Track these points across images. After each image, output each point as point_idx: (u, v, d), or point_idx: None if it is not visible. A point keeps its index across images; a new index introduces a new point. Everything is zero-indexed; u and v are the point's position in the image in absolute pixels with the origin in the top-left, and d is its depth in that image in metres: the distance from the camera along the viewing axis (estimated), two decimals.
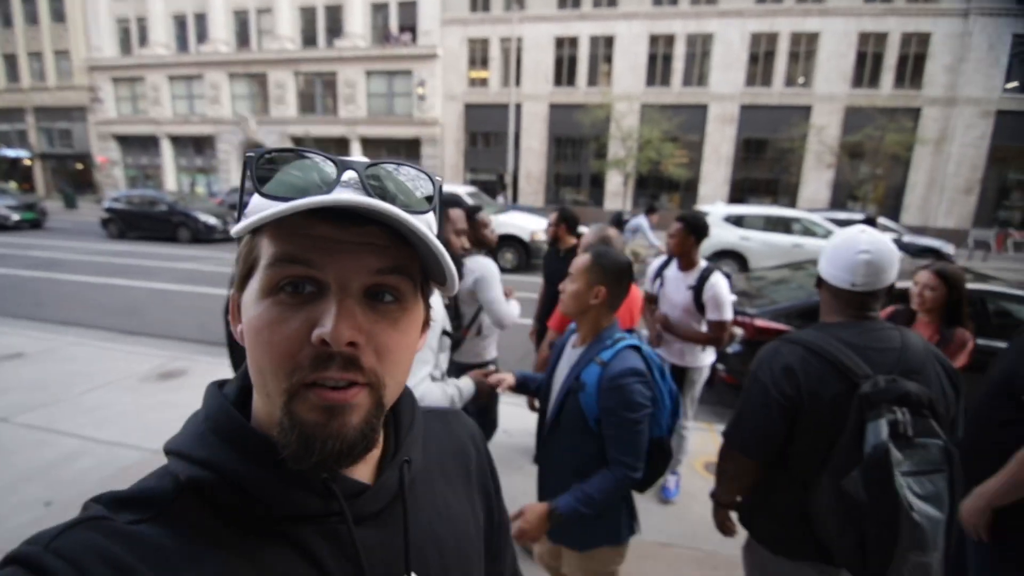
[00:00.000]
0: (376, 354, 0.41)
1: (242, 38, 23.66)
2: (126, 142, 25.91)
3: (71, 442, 3.13)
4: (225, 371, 4.40)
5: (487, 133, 21.67)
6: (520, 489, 2.84)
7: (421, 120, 21.50)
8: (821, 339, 1.24)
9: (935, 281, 2.17)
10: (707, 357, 2.85)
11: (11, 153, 27.08)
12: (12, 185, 16.97)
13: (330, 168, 0.41)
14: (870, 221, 6.81)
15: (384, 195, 0.41)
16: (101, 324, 6.01)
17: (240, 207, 0.43)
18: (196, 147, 25.05)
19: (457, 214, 1.93)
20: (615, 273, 1.44)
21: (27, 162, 27.71)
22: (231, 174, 24.06)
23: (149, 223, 13.39)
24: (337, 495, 0.42)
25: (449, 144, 21.84)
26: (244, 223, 0.39)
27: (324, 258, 0.39)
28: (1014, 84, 17.24)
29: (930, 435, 1.09)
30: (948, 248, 11.72)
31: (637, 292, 2.50)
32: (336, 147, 22.94)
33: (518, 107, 20.11)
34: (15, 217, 14.38)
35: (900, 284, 3.02)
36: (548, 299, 3.11)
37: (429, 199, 0.45)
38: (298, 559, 0.41)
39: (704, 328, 2.69)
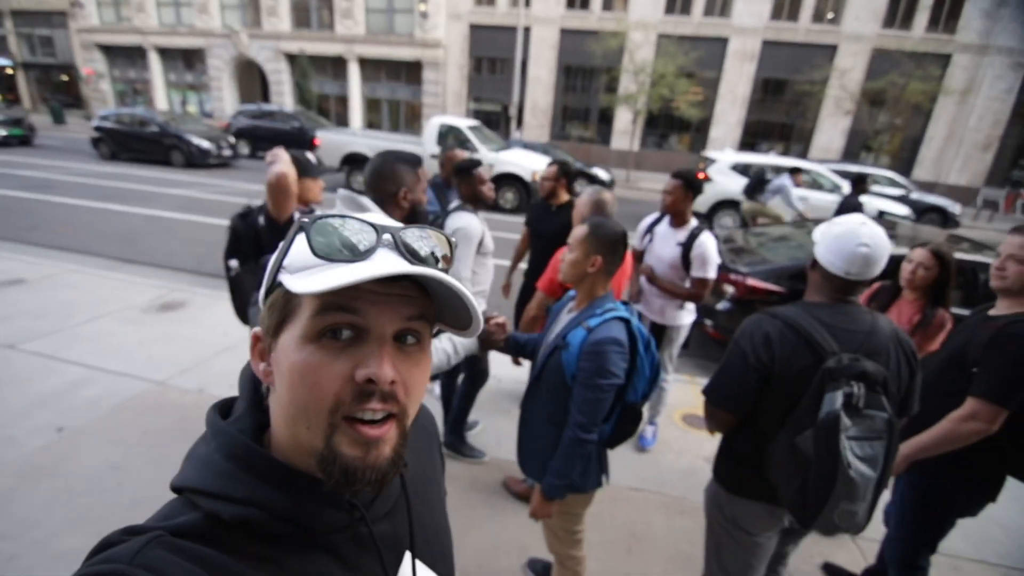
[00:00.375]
0: (405, 391, 0.48)
1: None
2: (111, 53, 24.46)
3: (78, 371, 3.27)
4: (223, 305, 4.49)
5: (493, 59, 20.50)
6: (505, 432, 3.02)
7: (423, 41, 20.23)
8: (800, 316, 1.38)
9: (931, 261, 2.16)
10: (686, 317, 2.93)
11: None
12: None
13: (369, 231, 0.46)
14: (861, 179, 6.62)
15: (416, 253, 0.48)
16: (98, 251, 6.03)
17: (279, 261, 0.47)
18: (186, 61, 23.71)
19: (422, 173, 1.90)
20: (611, 243, 1.54)
21: (9, 71, 26.32)
22: (223, 92, 22.95)
23: (141, 145, 12.96)
24: (360, 508, 0.51)
25: (452, 69, 20.73)
26: (321, 286, 0.41)
27: (369, 308, 0.45)
28: None
29: (878, 408, 1.27)
30: (955, 207, 11.54)
31: (628, 256, 2.52)
32: (333, 67, 21.77)
33: (527, 31, 18.86)
34: (2, 132, 13.85)
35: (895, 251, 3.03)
36: (537, 255, 3.09)
37: (447, 258, 0.51)
38: (334, 563, 0.49)
39: (688, 285, 2.75)
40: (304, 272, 0.44)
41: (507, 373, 3.59)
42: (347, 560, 0.50)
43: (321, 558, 0.48)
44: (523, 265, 3.40)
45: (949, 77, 16.55)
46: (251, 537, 0.45)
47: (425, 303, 0.49)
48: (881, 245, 1.32)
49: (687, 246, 2.68)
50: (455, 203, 2.53)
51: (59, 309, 4.11)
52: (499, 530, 2.37)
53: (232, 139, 14.03)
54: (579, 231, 1.57)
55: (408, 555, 0.57)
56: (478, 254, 2.42)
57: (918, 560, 1.87)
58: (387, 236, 0.47)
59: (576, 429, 1.49)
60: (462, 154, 3.37)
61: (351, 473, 0.44)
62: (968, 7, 16.34)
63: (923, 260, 2.17)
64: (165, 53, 23.72)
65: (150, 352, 3.61)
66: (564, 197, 3.04)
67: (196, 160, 12.66)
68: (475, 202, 2.48)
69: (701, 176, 9.90)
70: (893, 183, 11.68)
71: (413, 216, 1.85)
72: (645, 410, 1.81)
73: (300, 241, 0.45)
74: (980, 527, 2.61)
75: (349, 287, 0.42)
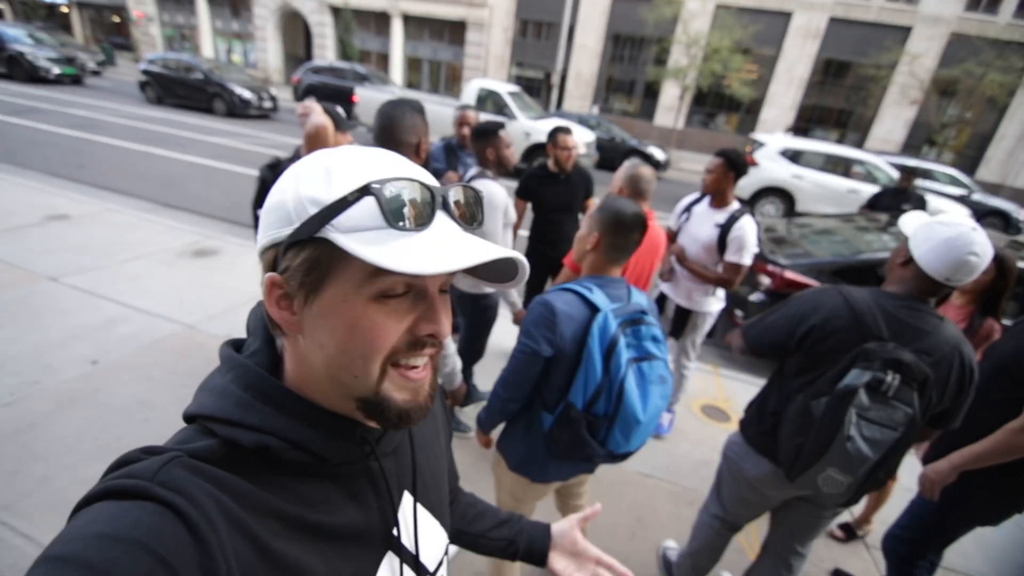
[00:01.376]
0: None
1: None
2: None
3: (114, 308, 3.39)
4: (254, 255, 4.57)
5: (539, 23, 19.80)
6: None
7: (469, 0, 19.69)
8: (863, 299, 1.39)
9: (991, 265, 2.01)
10: (715, 304, 2.82)
11: None
12: (57, 38, 16.04)
13: (426, 195, 0.46)
14: (913, 172, 5.86)
15: (463, 215, 0.49)
16: (140, 193, 6.21)
17: (326, 216, 0.44)
18: (233, 8, 23.75)
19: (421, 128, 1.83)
20: (613, 223, 1.40)
21: (64, 9, 26.91)
22: (267, 43, 22.98)
23: (185, 91, 13.15)
24: (371, 442, 0.53)
25: (496, 31, 20.14)
26: (417, 267, 0.41)
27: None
28: None
29: (906, 403, 1.28)
30: (1020, 213, 10.76)
31: (659, 235, 2.41)
32: (376, 21, 21.45)
33: None
34: (56, 71, 14.20)
35: None
36: (539, 224, 3.23)
37: (482, 210, 0.53)
38: (339, 489, 0.52)
39: (720, 269, 2.64)
40: (362, 234, 0.43)
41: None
42: (353, 491, 0.53)
43: (329, 487, 0.51)
44: (523, 232, 3.33)
45: None
46: (265, 464, 0.46)
47: None
48: (989, 254, 1.27)
49: (725, 228, 2.55)
50: (474, 169, 2.42)
51: (100, 247, 4.26)
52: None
53: (273, 91, 14.05)
54: (592, 206, 1.48)
55: (408, 495, 0.60)
56: (502, 225, 2.35)
57: (923, 558, 1.81)
58: (440, 199, 0.47)
59: (496, 384, 1.48)
60: (473, 115, 3.24)
61: (405, 414, 0.49)
62: None
63: None
64: None
65: (182, 296, 3.72)
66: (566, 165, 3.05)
67: (237, 110, 12.80)
68: (498, 167, 2.37)
69: (750, 160, 9.43)
70: (955, 181, 10.92)
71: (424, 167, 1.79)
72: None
73: (366, 204, 0.43)
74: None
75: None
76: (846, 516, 2.59)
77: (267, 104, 13.55)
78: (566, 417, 1.35)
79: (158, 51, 22.31)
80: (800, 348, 1.45)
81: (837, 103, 18.07)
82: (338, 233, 0.43)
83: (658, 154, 12.46)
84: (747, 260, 2.55)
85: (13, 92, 12.24)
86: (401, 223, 0.44)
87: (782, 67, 17.66)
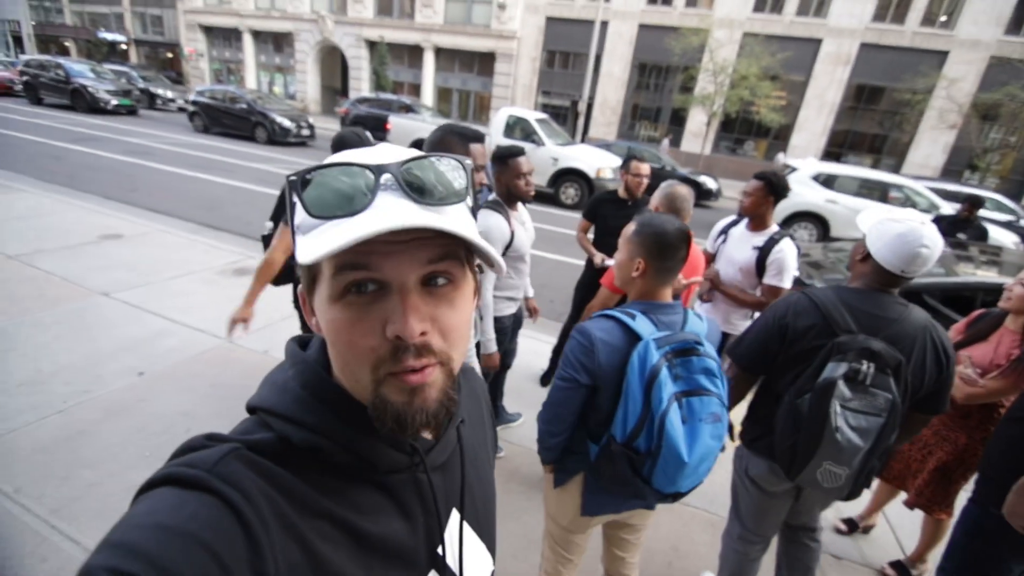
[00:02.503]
0: (442, 336, 0.46)
1: None
2: (211, 33, 26.44)
3: (159, 322, 3.54)
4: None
5: (566, 53, 20.29)
6: None
7: (499, 32, 20.36)
8: (826, 296, 1.50)
9: None
10: None
11: (110, 36, 28.38)
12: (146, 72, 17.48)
13: (366, 175, 0.43)
14: (977, 202, 5.65)
15: (423, 188, 0.45)
16: (186, 215, 6.52)
17: (291, 222, 0.46)
18: (276, 44, 25.24)
19: (479, 150, 1.78)
20: (656, 244, 1.31)
21: (124, 46, 29.03)
22: (307, 75, 24.22)
23: (230, 120, 13.91)
24: (420, 453, 0.52)
25: (524, 62, 20.72)
26: (313, 253, 0.40)
27: (381, 261, 0.42)
28: None
29: (884, 389, 1.37)
30: None
31: (699, 256, 2.39)
32: (409, 55, 22.35)
33: (604, 25, 18.51)
34: (113, 102, 15.31)
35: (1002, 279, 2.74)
36: (604, 250, 3.14)
37: (464, 186, 0.48)
38: (388, 499, 0.50)
39: (758, 292, 2.58)
40: (311, 233, 0.43)
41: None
42: (401, 504, 0.51)
43: (379, 495, 0.50)
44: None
45: None
46: (317, 464, 0.46)
47: (447, 240, 0.44)
48: (939, 246, 1.38)
49: (764, 251, 2.51)
50: (490, 196, 2.30)
51: (149, 264, 4.47)
52: (535, 524, 2.33)
53: (311, 120, 14.71)
54: (627, 229, 1.40)
55: (455, 512, 0.57)
56: (507, 257, 2.19)
57: None
58: (387, 176, 0.44)
59: (540, 411, 1.43)
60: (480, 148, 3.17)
61: (401, 418, 0.44)
62: None
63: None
64: (258, 36, 25.35)
65: (222, 312, 3.78)
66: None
67: (278, 137, 13.43)
68: (508, 197, 2.22)
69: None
70: (1001, 207, 10.48)
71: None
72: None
73: (299, 200, 0.43)
74: None
75: (360, 244, 0.40)
76: (898, 552, 2.44)
77: (305, 132, 14.19)
78: (608, 450, 1.29)
79: (206, 84, 23.73)
80: (781, 351, 1.54)
81: (871, 128, 17.77)
82: (300, 235, 0.44)
83: (710, 183, 12.45)
84: (787, 283, 2.50)
85: (75, 122, 13.18)
86: (327, 212, 0.42)
87: (812, 93, 17.54)
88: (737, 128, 18.90)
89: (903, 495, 2.40)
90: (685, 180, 12.10)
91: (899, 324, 1.42)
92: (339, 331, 0.44)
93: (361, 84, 22.89)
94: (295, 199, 0.44)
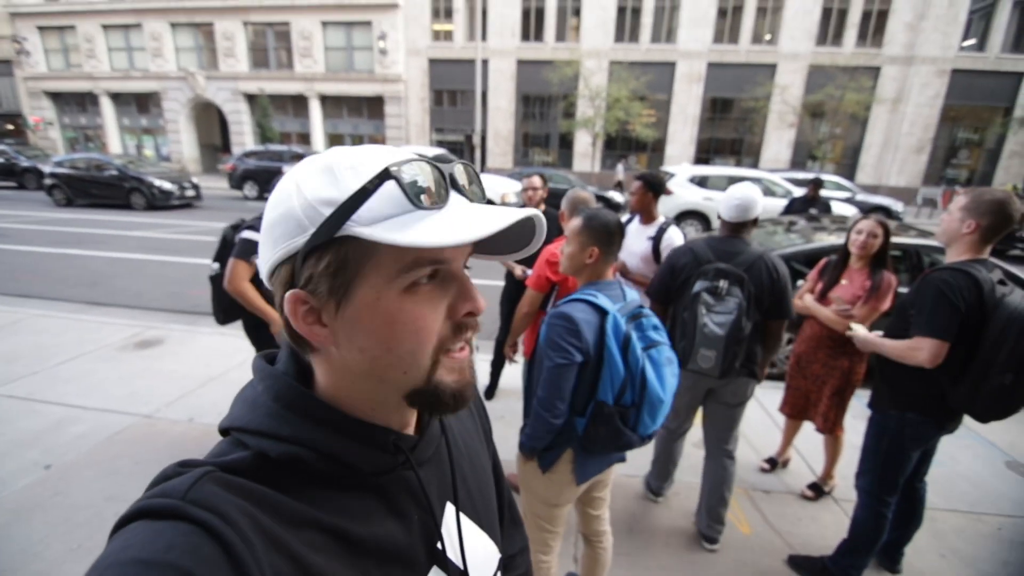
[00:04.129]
0: None
1: None
2: (61, 99, 23.93)
3: (59, 410, 3.17)
4: (203, 339, 4.44)
5: (453, 91, 21.05)
6: (502, 435, 3.08)
7: (384, 76, 20.62)
8: (697, 243, 2.24)
9: (879, 229, 2.47)
10: None
11: None
12: None
13: (436, 173, 0.46)
14: (818, 182, 6.93)
15: (470, 190, 0.49)
16: (63, 295, 5.85)
17: (345, 214, 0.42)
18: (139, 105, 23.35)
19: None
20: (606, 233, 1.57)
21: None
22: (181, 134, 22.65)
23: (99, 189, 12.65)
24: (404, 450, 0.51)
25: (413, 102, 21.15)
26: (438, 240, 0.41)
27: (454, 252, 0.47)
28: (971, 41, 17.80)
29: (733, 296, 2.05)
30: (897, 206, 12.39)
31: None
32: (294, 104, 21.86)
33: (485, 63, 19.56)
34: None
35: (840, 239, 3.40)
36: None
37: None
38: (378, 501, 0.50)
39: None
40: (386, 223, 0.42)
41: (503, 383, 3.67)
42: (393, 504, 0.50)
43: (369, 499, 0.49)
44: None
45: (880, 87, 18.02)
46: (299, 476, 0.45)
47: None
48: (748, 197, 2.12)
49: (657, 239, 2.87)
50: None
51: (31, 353, 3.98)
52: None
53: (195, 180, 13.85)
54: (574, 223, 1.62)
55: (450, 506, 0.57)
56: None
57: (882, 494, 2.04)
58: (448, 176, 0.47)
59: (538, 406, 1.52)
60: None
61: (460, 395, 0.49)
62: (891, 21, 17.92)
63: (872, 229, 2.46)
64: (118, 98, 23.35)
65: (132, 388, 3.54)
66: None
67: (158, 202, 12.42)
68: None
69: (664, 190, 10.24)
70: (840, 187, 12.49)
71: None
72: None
73: (386, 190, 0.42)
74: (949, 482, 2.84)
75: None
76: (811, 476, 2.85)
77: (190, 193, 13.27)
78: (600, 415, 1.45)
79: (60, 154, 21.33)
80: (673, 284, 2.21)
81: (728, 134, 20.33)
82: (361, 227, 0.42)
83: (617, 197, 13.37)
84: None
85: None
86: (423, 203, 0.43)
87: (676, 108, 19.75)
88: (619, 145, 20.65)
89: (807, 429, 2.82)
90: (598, 197, 12.98)
91: (743, 255, 2.12)
92: (408, 322, 0.45)
93: (244, 138, 21.90)
94: (379, 187, 0.42)
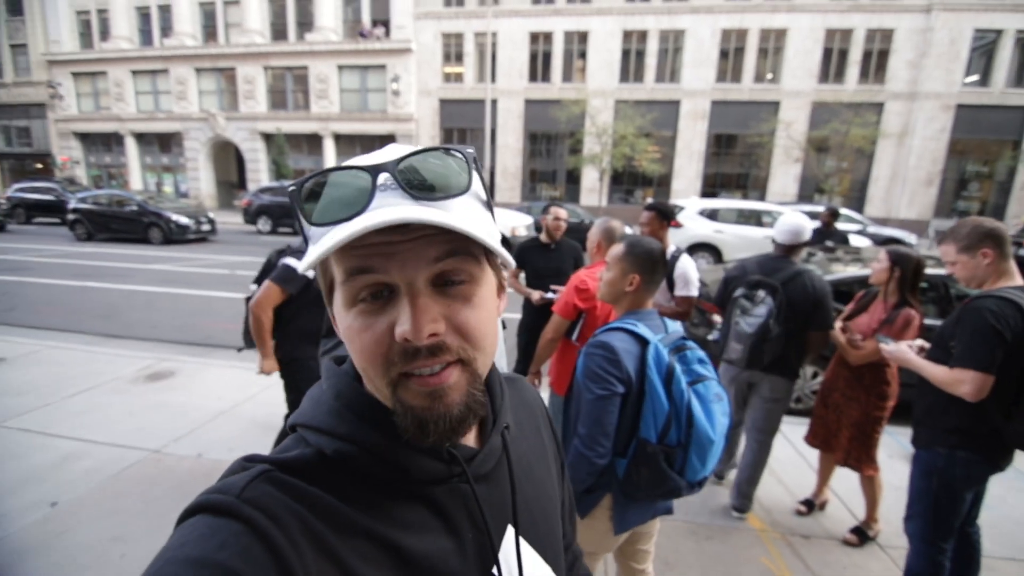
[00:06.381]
0: (459, 334, 0.44)
1: (209, 31, 22.95)
2: (88, 140, 24.90)
3: (69, 444, 3.11)
4: (214, 371, 4.39)
5: (463, 129, 21.60)
6: None
7: (396, 116, 21.29)
8: (750, 260, 2.75)
9: (883, 256, 2.44)
10: None
11: None
12: None
13: (365, 177, 0.42)
14: (834, 213, 7.04)
15: (423, 185, 0.43)
16: (80, 327, 5.87)
17: (303, 236, 0.45)
18: (162, 144, 24.23)
19: None
20: (649, 261, 1.50)
21: None
22: (199, 172, 23.37)
23: (119, 224, 12.97)
24: (460, 460, 0.48)
25: (424, 140, 21.70)
26: (307, 260, 0.42)
27: (385, 263, 0.41)
28: (974, 78, 18.05)
29: (766, 303, 2.49)
30: (910, 238, 12.32)
31: None
32: (308, 143, 22.53)
33: (493, 103, 20.11)
34: None
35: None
36: (533, 287, 3.46)
37: (467, 175, 0.45)
38: (432, 515, 0.47)
39: (673, 304, 2.89)
40: (318, 242, 0.42)
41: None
42: (447, 517, 0.48)
43: (422, 510, 0.47)
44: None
45: (885, 122, 18.18)
46: (354, 478, 0.44)
47: (454, 236, 0.42)
48: (800, 224, 2.59)
49: (669, 269, 2.82)
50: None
51: (44, 385, 3.95)
52: None
53: (211, 215, 14.18)
54: (616, 250, 1.55)
55: (511, 528, 0.53)
56: None
57: (936, 540, 1.90)
58: (384, 176, 0.42)
59: (577, 441, 1.40)
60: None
61: (423, 423, 0.43)
62: (893, 59, 18.27)
63: (878, 258, 2.44)
64: (142, 137, 24.26)
65: (141, 422, 3.48)
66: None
67: (175, 236, 12.69)
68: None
69: (674, 223, 10.36)
70: (850, 219, 12.45)
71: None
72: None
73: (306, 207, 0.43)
74: (1003, 527, 2.65)
75: (362, 247, 0.41)
76: (851, 520, 2.68)
77: (206, 227, 13.56)
78: (642, 454, 1.32)
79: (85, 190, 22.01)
80: (727, 295, 2.71)
81: (734, 168, 20.52)
82: (311, 245, 0.43)
83: (628, 230, 13.43)
84: (694, 292, 2.81)
85: None
86: (326, 219, 0.41)
87: (681, 144, 20.06)
88: (625, 180, 20.89)
89: (843, 471, 2.68)
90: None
91: (784, 271, 2.54)
92: (352, 337, 0.44)
93: (260, 175, 22.50)
94: (298, 214, 0.43)
